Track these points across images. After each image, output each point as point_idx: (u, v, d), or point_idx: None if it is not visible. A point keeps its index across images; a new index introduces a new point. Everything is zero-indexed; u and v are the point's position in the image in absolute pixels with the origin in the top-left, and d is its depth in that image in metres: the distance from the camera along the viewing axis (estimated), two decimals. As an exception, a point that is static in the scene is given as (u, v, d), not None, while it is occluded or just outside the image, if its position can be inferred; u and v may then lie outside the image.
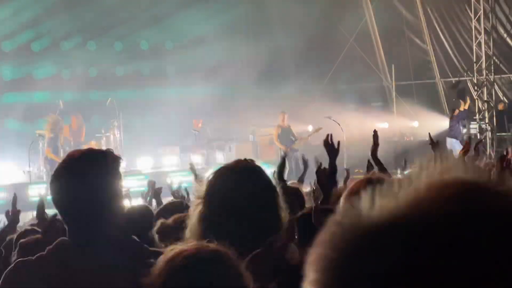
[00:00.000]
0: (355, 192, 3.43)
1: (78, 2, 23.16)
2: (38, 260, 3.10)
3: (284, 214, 3.34)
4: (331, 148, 5.47)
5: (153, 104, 24.65)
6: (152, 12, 24.36)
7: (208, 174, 3.41)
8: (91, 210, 3.15)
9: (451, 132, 22.00)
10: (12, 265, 3.12)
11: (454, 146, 21.42)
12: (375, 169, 6.07)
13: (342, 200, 3.51)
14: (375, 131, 6.16)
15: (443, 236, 0.97)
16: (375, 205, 1.04)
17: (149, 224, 5.44)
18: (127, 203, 7.79)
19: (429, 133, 7.52)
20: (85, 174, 3.17)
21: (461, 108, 22.37)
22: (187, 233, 3.24)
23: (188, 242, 2.40)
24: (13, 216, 6.07)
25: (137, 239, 3.32)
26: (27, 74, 22.84)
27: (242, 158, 3.54)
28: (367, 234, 1.01)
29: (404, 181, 1.07)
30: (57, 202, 3.22)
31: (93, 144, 20.65)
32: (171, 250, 2.34)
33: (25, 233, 5.58)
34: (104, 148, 19.58)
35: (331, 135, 5.53)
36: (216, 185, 3.32)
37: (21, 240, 4.97)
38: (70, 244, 3.15)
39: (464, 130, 22.94)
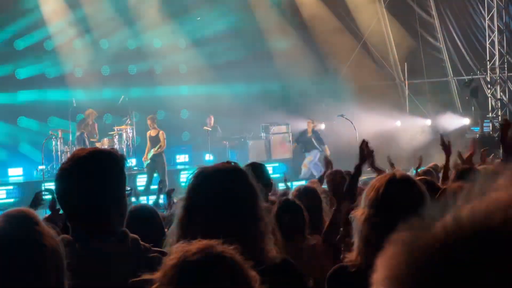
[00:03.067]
0: (378, 187, 3.44)
1: (91, 0, 23.19)
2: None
3: (266, 215, 3.33)
4: (363, 153, 5.65)
5: (165, 102, 24.68)
6: (165, 10, 24.37)
7: (188, 176, 3.42)
8: (95, 209, 3.20)
9: (309, 145, 22.56)
10: None
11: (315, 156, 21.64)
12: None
13: (365, 192, 3.52)
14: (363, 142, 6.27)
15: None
16: (445, 215, 1.03)
17: (154, 223, 5.46)
18: (133, 201, 7.86)
19: (441, 135, 7.53)
20: (90, 174, 3.22)
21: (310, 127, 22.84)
22: (168, 234, 3.27)
23: (194, 241, 2.37)
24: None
25: (137, 238, 3.34)
26: (40, 73, 22.89)
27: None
28: (437, 248, 1.00)
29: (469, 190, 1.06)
30: (61, 200, 3.27)
31: (106, 142, 20.75)
32: (176, 249, 2.32)
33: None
34: (116, 146, 19.76)
35: (367, 142, 5.75)
36: (193, 187, 3.33)
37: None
38: (72, 241, 3.16)
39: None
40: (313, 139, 22.54)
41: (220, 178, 3.34)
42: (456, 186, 5.15)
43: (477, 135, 22.38)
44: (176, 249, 2.31)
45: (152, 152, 20.26)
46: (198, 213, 3.23)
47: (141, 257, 3.15)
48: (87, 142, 20.19)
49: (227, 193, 3.29)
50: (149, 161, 20.45)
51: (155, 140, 20.44)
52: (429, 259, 1.00)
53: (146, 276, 2.32)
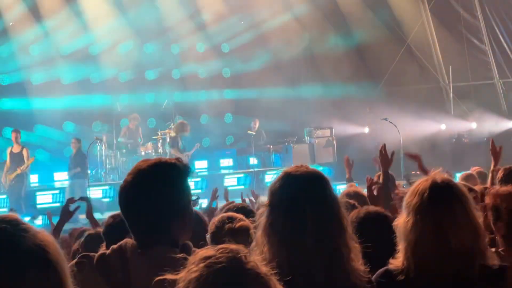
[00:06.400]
0: (421, 192, 3.39)
1: (134, 5, 23.30)
2: (100, 257, 3.25)
3: (347, 222, 3.26)
4: (385, 158, 5.65)
5: (208, 107, 24.73)
6: (207, 14, 24.44)
7: (272, 180, 3.36)
8: (157, 222, 3.27)
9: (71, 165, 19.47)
10: (76, 259, 3.26)
11: None
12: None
13: (406, 197, 3.48)
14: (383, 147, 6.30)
15: None
16: None
17: (201, 229, 5.47)
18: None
19: (492, 140, 7.44)
20: (150, 187, 3.27)
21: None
22: (253, 243, 3.22)
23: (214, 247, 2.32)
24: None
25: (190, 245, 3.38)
26: (85, 78, 23.07)
27: (300, 161, 3.50)
28: None
29: None
30: (125, 211, 3.35)
31: (149, 147, 20.84)
32: (200, 257, 2.26)
33: (91, 237, 5.64)
34: (160, 150, 19.60)
35: (384, 145, 5.75)
36: (279, 192, 3.25)
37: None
38: (134, 246, 3.26)
39: None
40: (76, 160, 19.36)
41: (309, 185, 3.26)
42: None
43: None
44: (200, 256, 2.24)
45: (17, 171, 18.03)
46: (287, 220, 3.15)
47: None
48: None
49: (316, 200, 3.21)
50: (12, 182, 18.17)
51: (17, 158, 18.29)
52: None
53: (170, 277, 2.30)
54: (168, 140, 20.28)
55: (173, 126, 20.70)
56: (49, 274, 2.29)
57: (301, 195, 3.21)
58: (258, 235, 3.22)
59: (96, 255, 3.25)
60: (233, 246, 2.27)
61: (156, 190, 3.26)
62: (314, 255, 3.03)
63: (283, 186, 3.25)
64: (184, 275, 2.22)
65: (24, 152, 18.23)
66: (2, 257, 2.22)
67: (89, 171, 19.83)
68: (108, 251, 3.26)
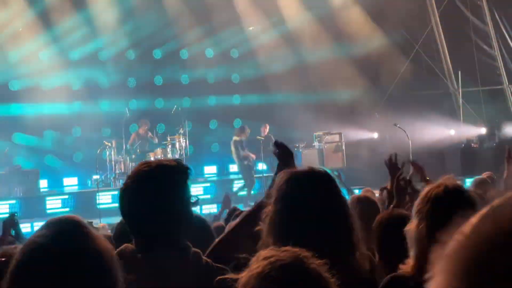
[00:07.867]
0: (434, 198, 3.38)
1: (143, 11, 23.33)
2: None
3: (355, 223, 3.29)
4: (394, 167, 5.64)
5: (217, 112, 24.73)
6: (217, 20, 24.43)
7: (279, 179, 3.39)
8: (160, 225, 3.27)
9: None
10: None
11: None
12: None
13: (417, 203, 3.47)
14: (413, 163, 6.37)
15: None
16: None
17: (204, 234, 5.47)
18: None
19: (508, 148, 7.42)
20: (149, 190, 3.28)
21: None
22: (260, 240, 3.24)
23: (278, 248, 2.33)
24: None
25: (199, 252, 3.38)
26: (94, 83, 23.10)
27: (309, 165, 3.53)
28: None
29: None
30: (126, 214, 3.37)
31: (159, 152, 20.82)
32: (264, 256, 2.27)
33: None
34: (169, 155, 19.67)
35: (395, 154, 5.73)
36: (285, 191, 3.29)
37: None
38: (134, 250, 3.26)
39: None
40: None
41: (315, 184, 3.31)
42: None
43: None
44: (263, 255, 2.25)
45: None
46: (292, 219, 3.20)
47: (201, 272, 3.16)
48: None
49: (322, 200, 3.27)
50: None
51: None
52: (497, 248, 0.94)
53: (232, 276, 2.31)
54: (233, 145, 21.04)
55: (236, 131, 21.34)
56: (103, 281, 2.30)
57: (301, 193, 3.26)
58: (264, 231, 3.26)
59: None
60: (295, 249, 2.30)
61: (158, 193, 3.26)
62: (320, 253, 3.05)
63: (287, 185, 3.30)
64: (245, 273, 2.24)
65: None
66: (59, 258, 2.23)
67: None
68: None
